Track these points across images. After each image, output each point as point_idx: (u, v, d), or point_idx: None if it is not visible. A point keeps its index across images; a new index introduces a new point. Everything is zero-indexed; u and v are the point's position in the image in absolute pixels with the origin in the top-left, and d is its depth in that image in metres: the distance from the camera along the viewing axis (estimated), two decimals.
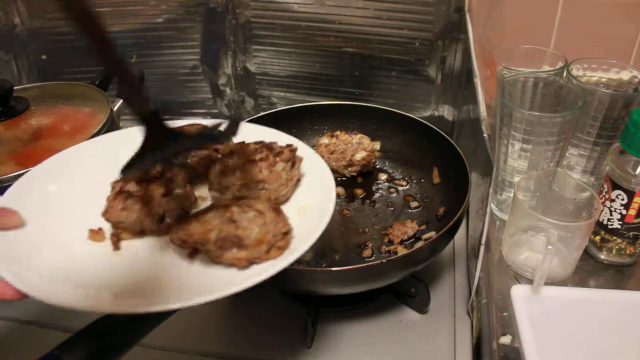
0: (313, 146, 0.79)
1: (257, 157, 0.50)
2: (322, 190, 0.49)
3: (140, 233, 0.47)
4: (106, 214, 0.46)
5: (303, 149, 0.53)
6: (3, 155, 0.64)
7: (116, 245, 0.46)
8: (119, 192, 0.47)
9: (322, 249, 0.65)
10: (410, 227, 0.66)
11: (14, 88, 0.69)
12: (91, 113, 0.70)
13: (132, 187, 0.47)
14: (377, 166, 0.79)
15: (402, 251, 0.64)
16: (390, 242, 0.66)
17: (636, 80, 0.65)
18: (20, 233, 0.44)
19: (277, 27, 0.82)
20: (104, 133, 0.67)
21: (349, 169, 0.76)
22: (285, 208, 0.49)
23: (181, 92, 0.91)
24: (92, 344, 0.39)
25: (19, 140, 0.67)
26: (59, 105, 0.72)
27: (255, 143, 0.52)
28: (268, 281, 0.39)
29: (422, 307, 0.63)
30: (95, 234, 0.46)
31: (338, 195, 0.75)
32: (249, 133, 0.56)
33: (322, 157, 0.75)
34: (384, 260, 0.53)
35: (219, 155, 0.52)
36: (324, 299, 0.63)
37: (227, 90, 0.91)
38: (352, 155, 0.75)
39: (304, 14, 0.80)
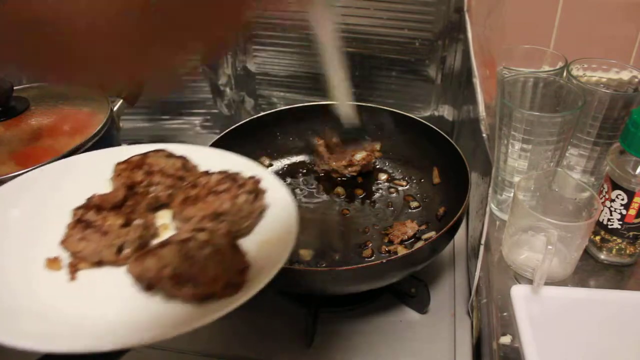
0: (313, 145, 0.79)
1: (220, 188, 0.50)
2: (285, 224, 0.48)
3: (99, 263, 0.45)
4: (64, 243, 0.45)
5: (269, 179, 0.53)
6: (3, 155, 0.64)
7: (73, 275, 0.44)
8: (78, 221, 0.46)
9: (322, 249, 0.65)
10: (411, 227, 0.66)
11: (14, 88, 0.69)
12: (91, 113, 0.70)
13: (91, 216, 0.46)
14: (377, 166, 0.79)
15: (402, 251, 0.64)
16: (391, 242, 0.66)
17: (636, 80, 0.65)
18: None
19: (277, 27, 0.82)
20: (104, 133, 0.67)
21: (349, 169, 0.76)
22: (246, 241, 0.48)
23: (181, 92, 0.91)
24: None
25: (19, 140, 0.66)
26: (59, 105, 0.72)
27: (220, 173, 0.52)
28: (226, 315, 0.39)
29: (422, 307, 0.63)
30: (52, 263, 0.45)
31: (338, 195, 0.75)
32: (214, 160, 0.55)
33: (323, 156, 0.76)
34: (384, 260, 0.53)
35: (184, 184, 0.52)
36: (324, 299, 0.63)
37: (227, 90, 0.91)
38: (352, 156, 0.75)
39: (304, 13, 0.80)
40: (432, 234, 0.66)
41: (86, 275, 0.45)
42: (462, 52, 0.77)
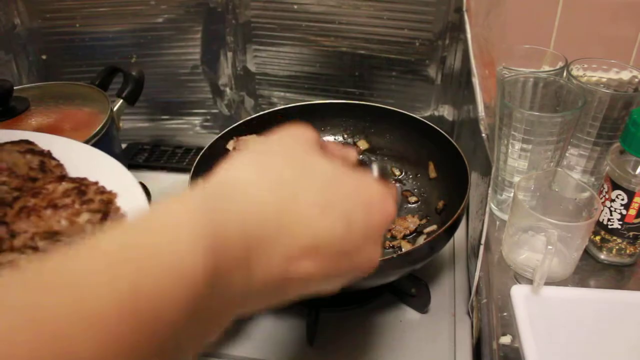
0: None
1: (61, 202, 0.43)
2: None
3: None
4: None
5: (137, 199, 0.46)
6: None
7: None
8: None
9: None
10: (412, 222, 0.67)
11: (14, 88, 0.69)
12: (91, 113, 0.70)
13: None
14: (373, 164, 0.79)
15: (406, 246, 0.65)
16: (394, 238, 0.66)
17: (636, 80, 0.65)
18: None
19: (277, 27, 0.82)
20: (104, 133, 0.67)
21: None
22: None
23: (181, 92, 0.91)
24: None
25: None
26: (59, 105, 0.72)
27: (72, 181, 0.45)
28: None
29: (422, 306, 0.63)
30: None
31: None
32: (87, 164, 0.49)
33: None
34: (390, 257, 0.53)
35: (25, 192, 0.45)
36: (325, 298, 0.63)
37: (227, 90, 0.91)
38: None
39: (304, 14, 0.80)
40: (434, 227, 0.66)
41: None
42: (462, 52, 0.77)
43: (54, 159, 0.50)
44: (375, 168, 0.37)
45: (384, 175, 0.36)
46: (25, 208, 0.43)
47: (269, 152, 0.32)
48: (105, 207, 0.44)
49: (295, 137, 0.33)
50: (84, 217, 0.43)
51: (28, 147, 0.49)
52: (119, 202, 0.45)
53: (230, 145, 0.68)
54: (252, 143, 0.29)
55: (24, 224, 0.42)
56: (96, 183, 0.46)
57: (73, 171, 0.49)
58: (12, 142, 0.50)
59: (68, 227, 0.42)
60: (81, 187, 0.45)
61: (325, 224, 0.29)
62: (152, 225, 0.23)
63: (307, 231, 0.28)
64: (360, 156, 0.80)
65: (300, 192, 0.29)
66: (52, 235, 0.42)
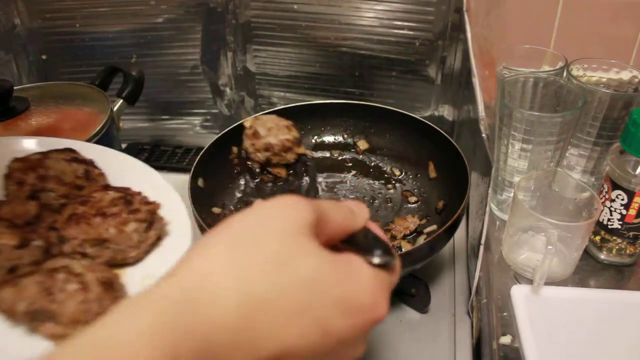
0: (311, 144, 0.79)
1: (110, 211, 0.45)
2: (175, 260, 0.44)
3: None
4: None
5: (176, 208, 0.47)
6: None
7: None
8: None
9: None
10: (412, 222, 0.67)
11: (14, 88, 0.69)
12: (91, 113, 0.70)
13: None
14: (373, 164, 0.79)
15: (406, 246, 0.65)
16: (394, 238, 0.66)
17: (636, 80, 0.65)
18: None
19: (277, 27, 0.82)
20: (104, 133, 0.67)
21: (262, 154, 0.62)
22: (130, 271, 0.45)
23: (181, 92, 0.91)
24: None
25: None
26: (59, 105, 0.72)
27: (118, 191, 0.47)
28: None
29: (422, 306, 0.63)
30: None
31: (336, 193, 0.75)
32: (128, 173, 0.51)
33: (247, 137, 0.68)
34: None
35: (80, 196, 0.47)
36: None
37: (227, 90, 0.91)
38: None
39: (304, 14, 0.80)
40: (434, 227, 0.66)
41: None
42: (462, 52, 0.77)
43: (96, 167, 0.51)
44: (377, 259, 0.32)
45: (386, 263, 0.32)
46: (74, 215, 0.45)
47: (247, 241, 0.28)
48: (151, 217, 0.46)
49: (286, 218, 0.29)
50: (132, 226, 0.44)
51: (72, 156, 0.51)
52: (162, 212, 0.47)
53: (247, 122, 0.64)
54: (236, 217, 0.28)
55: (74, 230, 0.44)
56: (140, 193, 0.48)
57: (113, 180, 0.51)
58: (57, 150, 0.51)
59: (116, 235, 0.44)
60: (127, 196, 0.47)
61: (295, 333, 0.27)
62: (106, 352, 0.23)
63: (273, 339, 0.26)
64: (360, 156, 0.80)
65: (272, 298, 0.27)
66: (101, 242, 0.44)
